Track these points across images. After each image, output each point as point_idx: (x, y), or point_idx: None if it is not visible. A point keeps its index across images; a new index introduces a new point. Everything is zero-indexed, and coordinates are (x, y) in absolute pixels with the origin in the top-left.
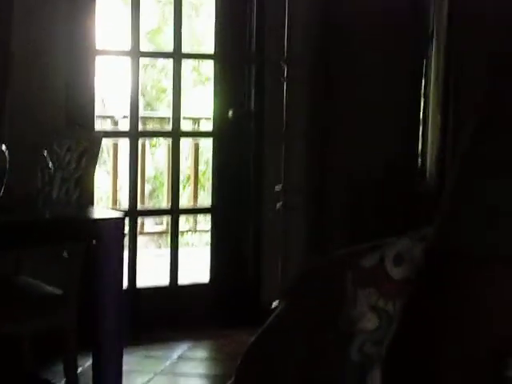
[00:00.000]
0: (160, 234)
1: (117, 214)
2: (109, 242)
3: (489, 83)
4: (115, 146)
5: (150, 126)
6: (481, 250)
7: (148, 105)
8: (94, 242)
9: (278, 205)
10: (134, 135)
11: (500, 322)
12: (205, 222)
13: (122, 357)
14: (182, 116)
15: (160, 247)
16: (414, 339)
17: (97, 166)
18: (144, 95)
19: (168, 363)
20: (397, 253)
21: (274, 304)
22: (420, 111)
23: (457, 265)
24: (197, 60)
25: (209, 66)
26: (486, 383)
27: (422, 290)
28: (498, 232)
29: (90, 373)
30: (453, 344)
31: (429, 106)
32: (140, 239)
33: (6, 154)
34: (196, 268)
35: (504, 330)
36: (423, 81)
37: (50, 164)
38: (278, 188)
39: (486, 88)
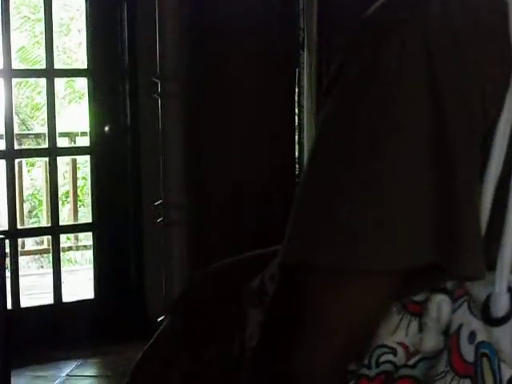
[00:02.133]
0: (42, 253)
1: None
2: None
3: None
4: None
5: (26, 145)
6: (325, 262)
7: (23, 123)
8: None
9: (159, 220)
10: (10, 155)
11: (343, 336)
12: (86, 238)
13: (10, 379)
14: (57, 133)
15: (42, 266)
16: (267, 346)
17: None
18: (19, 113)
19: (56, 383)
20: (272, 273)
21: (160, 319)
22: (295, 120)
23: (296, 279)
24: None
25: (83, 83)
26: None
27: (273, 302)
28: (342, 245)
29: None
30: (300, 350)
31: (303, 115)
32: (22, 259)
33: None
34: (80, 285)
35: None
36: (297, 89)
37: None
38: (157, 203)
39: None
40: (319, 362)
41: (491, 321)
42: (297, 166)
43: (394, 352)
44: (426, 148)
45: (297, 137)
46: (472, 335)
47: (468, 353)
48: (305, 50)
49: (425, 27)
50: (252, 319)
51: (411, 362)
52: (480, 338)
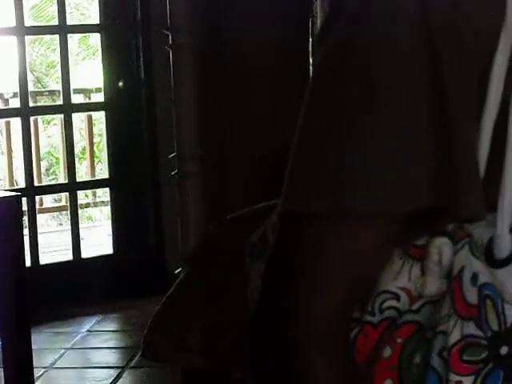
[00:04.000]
0: (60, 210)
1: (11, 194)
2: (5, 222)
3: None
4: (7, 125)
5: (42, 102)
6: (324, 208)
7: (38, 81)
8: None
9: (173, 173)
10: (25, 112)
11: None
12: (104, 194)
13: (29, 336)
14: (72, 89)
15: (61, 224)
16: (270, 294)
17: None
18: (33, 71)
19: (77, 338)
20: (273, 223)
21: (177, 271)
22: (309, 68)
23: (297, 226)
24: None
25: (96, 38)
26: (333, 330)
27: (274, 252)
28: (343, 189)
29: None
30: (302, 298)
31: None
32: (41, 217)
33: None
34: (99, 241)
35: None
36: (311, 40)
37: None
38: (171, 156)
39: None
40: (322, 308)
41: (494, 262)
42: None
43: (397, 297)
44: (422, 93)
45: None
46: (474, 277)
47: (471, 295)
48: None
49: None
50: (254, 271)
51: (415, 307)
52: (483, 279)
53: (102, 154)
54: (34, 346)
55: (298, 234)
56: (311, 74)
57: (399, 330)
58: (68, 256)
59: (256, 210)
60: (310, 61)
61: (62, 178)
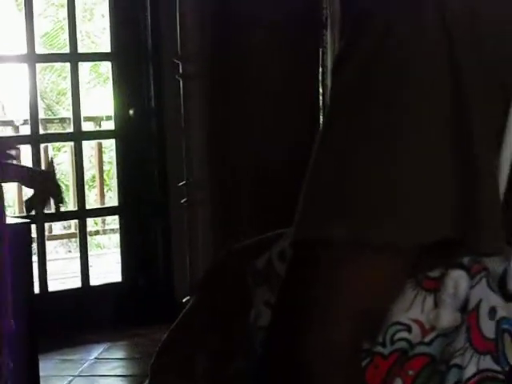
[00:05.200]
0: (69, 237)
1: (21, 220)
2: (15, 249)
3: None
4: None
5: (52, 130)
6: (338, 237)
7: (49, 108)
8: None
9: (183, 201)
10: (36, 140)
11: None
12: (113, 222)
13: (37, 362)
14: (82, 117)
15: (70, 251)
16: (283, 321)
17: None
18: (44, 99)
19: (85, 366)
20: (280, 249)
21: (185, 299)
22: (319, 100)
23: (310, 255)
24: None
25: (107, 66)
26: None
27: (286, 280)
28: (356, 219)
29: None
30: (315, 328)
31: (328, 94)
32: (50, 244)
33: None
34: (107, 269)
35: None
36: (320, 69)
37: None
38: (181, 184)
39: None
40: (333, 338)
41: (508, 296)
42: None
43: (409, 329)
44: (445, 125)
45: (322, 116)
46: (492, 311)
47: (488, 329)
48: (328, 29)
49: (444, 16)
50: (257, 298)
51: (427, 339)
52: (501, 313)
53: (112, 181)
54: (41, 373)
55: (311, 263)
56: (329, 98)
57: (411, 362)
58: (77, 283)
59: (264, 238)
60: (320, 86)
61: (72, 205)
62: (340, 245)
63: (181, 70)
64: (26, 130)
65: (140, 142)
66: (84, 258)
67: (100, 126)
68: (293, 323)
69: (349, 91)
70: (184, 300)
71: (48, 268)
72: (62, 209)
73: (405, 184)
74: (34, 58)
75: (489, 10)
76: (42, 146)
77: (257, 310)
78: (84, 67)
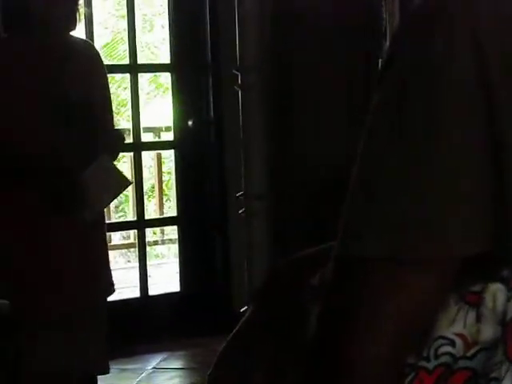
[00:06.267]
0: (128, 247)
1: None
2: None
3: None
4: None
5: None
6: (380, 253)
7: None
8: None
9: (240, 211)
10: None
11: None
12: (172, 232)
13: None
14: (142, 128)
15: (129, 261)
16: (323, 337)
17: None
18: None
19: (143, 375)
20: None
21: (243, 310)
22: None
23: (351, 270)
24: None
25: (167, 77)
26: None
27: (328, 294)
28: (399, 235)
29: None
30: (356, 341)
31: None
32: (109, 253)
33: None
34: (166, 279)
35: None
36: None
37: None
38: (239, 194)
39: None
40: (375, 352)
41: None
42: None
43: (453, 343)
44: (481, 137)
45: None
46: None
47: None
48: (387, 40)
49: (474, 26)
50: (313, 315)
51: (469, 353)
52: None
53: (171, 191)
54: (100, 383)
55: (353, 277)
56: (370, 110)
57: (454, 377)
58: (135, 293)
59: (320, 249)
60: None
61: (131, 216)
62: (380, 260)
63: (240, 81)
64: None
65: (199, 152)
66: (143, 267)
67: (159, 136)
68: (332, 337)
69: (385, 106)
70: (242, 310)
71: None
72: (122, 218)
73: (441, 198)
74: None
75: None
76: None
77: (312, 326)
78: (144, 78)
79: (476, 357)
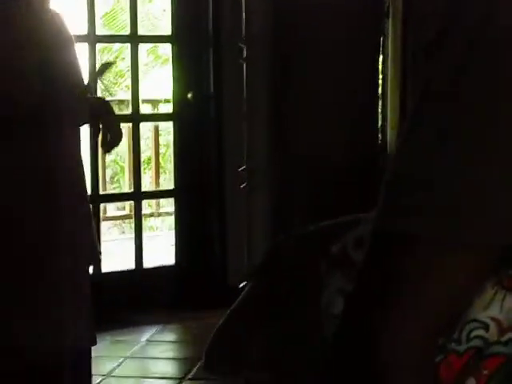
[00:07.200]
0: (123, 218)
1: None
2: None
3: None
4: None
5: None
6: (416, 231)
7: (106, 89)
8: None
9: (242, 186)
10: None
11: (438, 306)
12: (168, 204)
13: None
14: (140, 99)
15: (124, 232)
16: (358, 316)
17: None
18: (102, 80)
19: (137, 347)
20: (357, 236)
21: (242, 285)
22: (378, 87)
23: (393, 247)
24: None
25: (166, 48)
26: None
27: (364, 270)
28: (438, 216)
29: None
30: (393, 321)
31: (387, 83)
32: (103, 224)
33: None
34: (161, 252)
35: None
36: (381, 57)
37: None
38: (241, 169)
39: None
40: (411, 337)
41: None
42: (379, 134)
43: (486, 327)
44: None
45: (380, 105)
46: None
47: None
48: (389, 17)
49: None
50: (331, 285)
51: (504, 339)
52: None
53: (167, 164)
54: (93, 354)
55: (394, 255)
56: (420, 88)
57: (486, 361)
58: (129, 265)
59: (340, 222)
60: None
61: (126, 187)
62: (425, 241)
63: (244, 54)
64: None
65: (197, 125)
66: (138, 240)
67: (158, 108)
68: (369, 320)
69: (441, 83)
70: (240, 286)
71: (101, 248)
72: (117, 190)
73: (488, 185)
74: (94, 39)
75: None
76: None
77: (329, 296)
78: (142, 49)
79: (511, 343)
